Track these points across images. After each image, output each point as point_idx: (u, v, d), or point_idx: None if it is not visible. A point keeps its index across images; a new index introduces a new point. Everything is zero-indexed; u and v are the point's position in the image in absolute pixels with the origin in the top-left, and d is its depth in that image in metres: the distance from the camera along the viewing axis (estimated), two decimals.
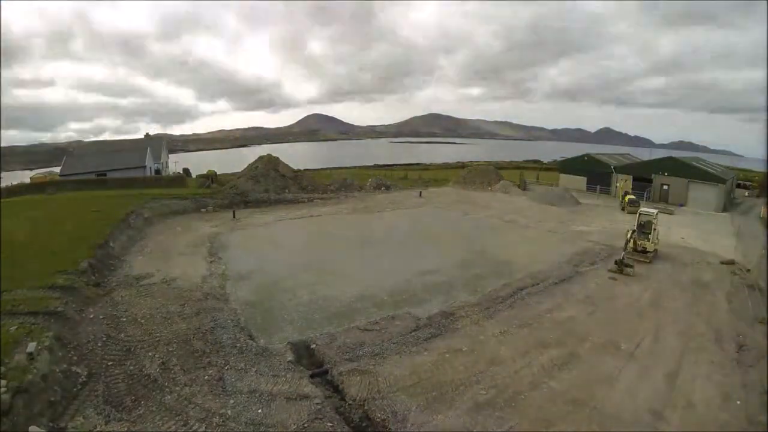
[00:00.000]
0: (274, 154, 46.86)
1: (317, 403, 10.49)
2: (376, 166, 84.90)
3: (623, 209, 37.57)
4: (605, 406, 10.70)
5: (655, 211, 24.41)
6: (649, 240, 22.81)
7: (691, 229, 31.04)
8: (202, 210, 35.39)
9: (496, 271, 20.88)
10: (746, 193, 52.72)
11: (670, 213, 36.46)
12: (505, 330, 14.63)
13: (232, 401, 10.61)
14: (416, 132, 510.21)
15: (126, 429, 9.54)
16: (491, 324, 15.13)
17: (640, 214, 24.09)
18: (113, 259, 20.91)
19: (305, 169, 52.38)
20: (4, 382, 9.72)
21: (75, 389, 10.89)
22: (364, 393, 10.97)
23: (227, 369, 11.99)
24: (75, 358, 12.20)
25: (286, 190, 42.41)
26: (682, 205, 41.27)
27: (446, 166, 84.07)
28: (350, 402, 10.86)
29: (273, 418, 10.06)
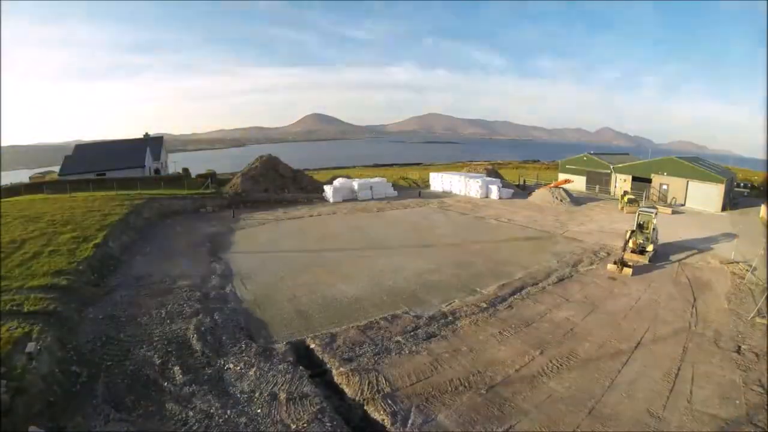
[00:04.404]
0: (273, 154, 46.87)
1: (317, 403, 10.50)
2: (376, 166, 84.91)
3: (622, 209, 37.63)
4: (605, 406, 10.71)
5: (655, 210, 24.42)
6: (648, 240, 22.82)
7: (691, 228, 31.06)
8: (202, 210, 35.44)
9: (495, 270, 20.90)
10: (745, 193, 52.74)
11: (668, 213, 36.45)
12: (504, 330, 14.65)
13: (231, 401, 10.63)
14: (416, 132, 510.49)
15: (126, 429, 9.55)
16: (490, 324, 15.15)
17: (639, 213, 24.11)
18: (113, 259, 20.93)
19: (304, 169, 52.31)
20: (4, 382, 9.73)
21: (75, 389, 10.91)
22: (364, 393, 10.98)
23: (227, 369, 12.01)
24: (75, 358, 12.22)
25: (285, 190, 42.43)
26: (681, 205, 41.31)
27: (445, 168, 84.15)
28: (350, 402, 10.87)
29: (273, 418, 10.07)
